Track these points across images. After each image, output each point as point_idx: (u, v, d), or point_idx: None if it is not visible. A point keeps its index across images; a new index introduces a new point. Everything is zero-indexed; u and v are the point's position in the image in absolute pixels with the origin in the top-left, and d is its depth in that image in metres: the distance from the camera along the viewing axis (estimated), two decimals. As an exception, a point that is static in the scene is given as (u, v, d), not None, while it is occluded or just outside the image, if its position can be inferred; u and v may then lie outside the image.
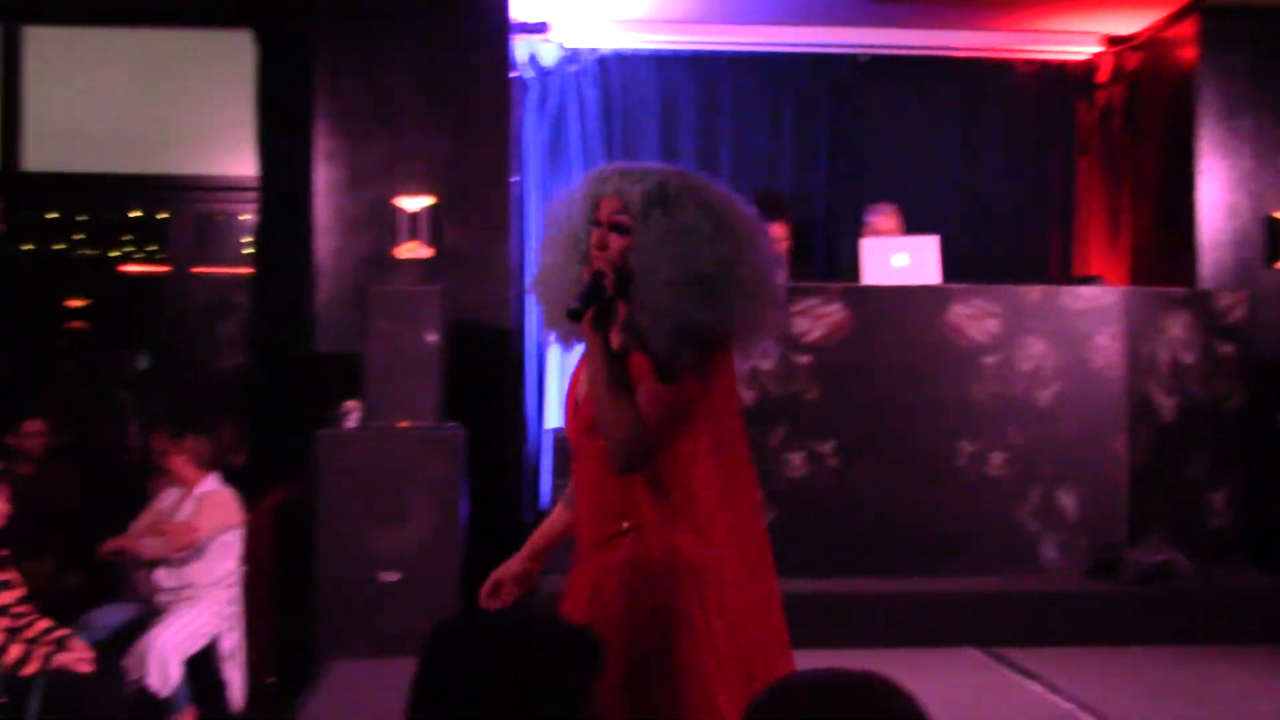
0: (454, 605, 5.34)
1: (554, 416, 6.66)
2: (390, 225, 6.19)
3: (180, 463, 5.23)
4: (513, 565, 2.76)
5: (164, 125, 6.77)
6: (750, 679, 2.40)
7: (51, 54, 6.66)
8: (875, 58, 7.25)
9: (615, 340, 2.46)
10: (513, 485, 6.31)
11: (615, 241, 2.43)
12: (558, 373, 6.72)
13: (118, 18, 6.56)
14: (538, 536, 2.75)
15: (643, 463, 2.41)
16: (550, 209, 2.60)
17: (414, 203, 6.20)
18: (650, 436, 2.39)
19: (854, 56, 7.24)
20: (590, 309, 2.38)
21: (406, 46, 6.27)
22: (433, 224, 6.20)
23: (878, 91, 7.30)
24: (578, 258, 2.49)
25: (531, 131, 6.88)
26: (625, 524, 2.44)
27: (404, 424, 5.44)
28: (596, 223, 2.46)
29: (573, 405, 2.55)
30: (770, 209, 6.53)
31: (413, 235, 6.18)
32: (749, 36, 7.16)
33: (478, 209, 6.29)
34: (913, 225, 6.53)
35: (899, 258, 6.05)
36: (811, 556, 5.58)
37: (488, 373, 6.20)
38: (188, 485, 5.25)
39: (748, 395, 5.61)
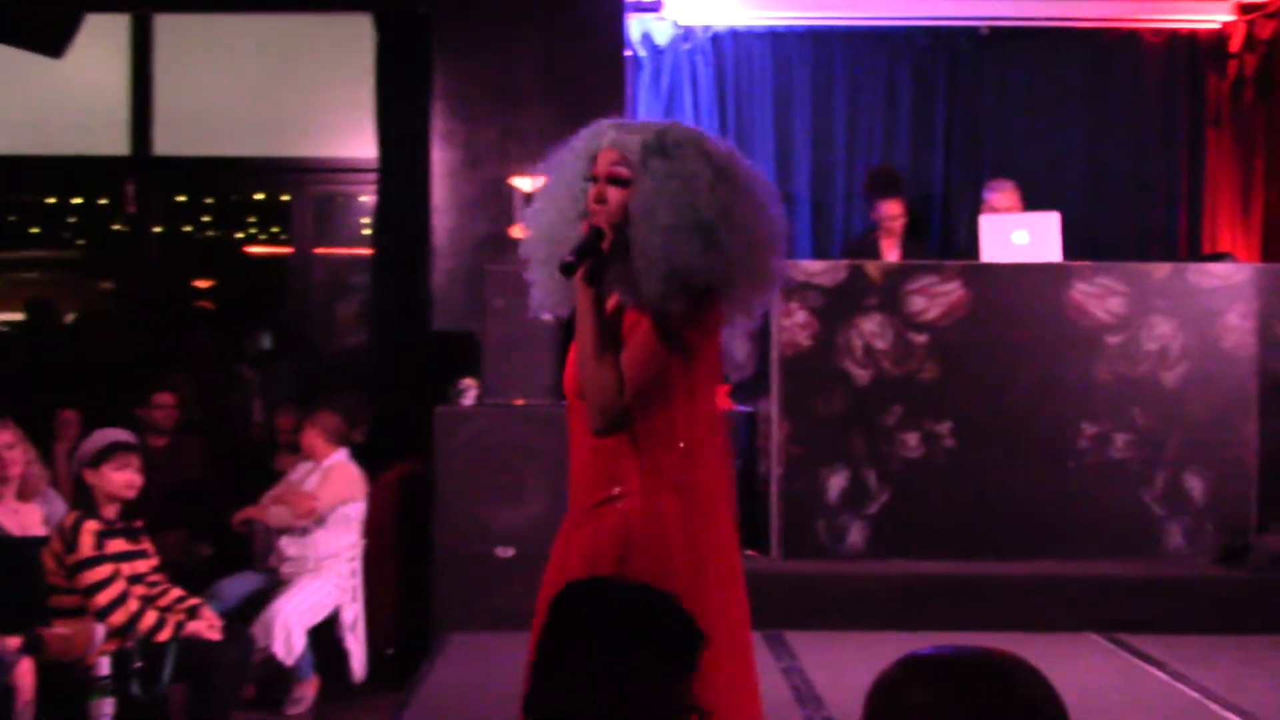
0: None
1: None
2: (506, 205, 6.25)
3: (311, 437, 5.36)
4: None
5: (287, 109, 6.94)
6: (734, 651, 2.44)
7: (179, 42, 6.85)
8: (995, 29, 7.09)
9: (609, 301, 2.43)
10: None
11: (614, 195, 2.38)
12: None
13: (243, 5, 6.72)
14: None
15: (619, 426, 2.38)
16: (545, 169, 2.55)
17: (530, 182, 6.25)
18: (628, 400, 2.36)
19: (973, 29, 7.09)
20: (584, 263, 2.33)
21: (523, 27, 6.31)
22: (547, 203, 6.23)
23: (997, 64, 7.14)
24: (575, 216, 2.44)
25: (645, 110, 6.87)
26: (615, 489, 2.41)
27: (520, 401, 5.50)
28: (593, 178, 2.41)
29: (571, 368, 2.52)
30: (886, 186, 6.47)
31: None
32: (864, 10, 7.06)
33: (592, 188, 6.31)
34: (1033, 202, 6.40)
35: (1019, 235, 5.93)
36: (927, 538, 5.53)
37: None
38: (318, 459, 5.39)
39: (862, 374, 5.56)
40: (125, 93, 6.74)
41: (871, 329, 5.57)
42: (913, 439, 5.57)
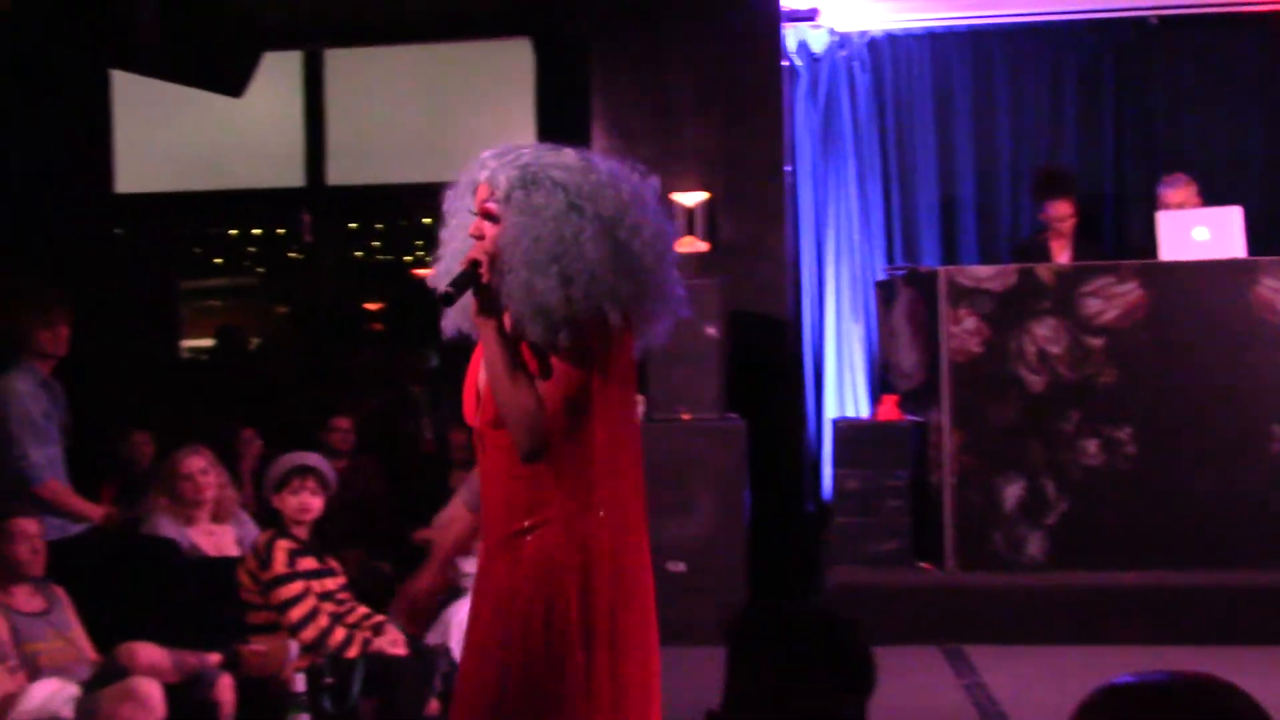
0: (740, 595, 5.39)
1: (833, 406, 6.62)
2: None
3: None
4: (424, 580, 2.75)
5: (452, 135, 7.11)
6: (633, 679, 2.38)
7: (349, 75, 7.09)
8: (1164, 19, 6.84)
9: (508, 326, 2.41)
10: (794, 475, 6.32)
11: (488, 230, 2.37)
12: (836, 362, 6.67)
13: (407, 37, 6.91)
14: (444, 545, 2.74)
15: (544, 448, 2.34)
16: (446, 200, 2.54)
17: (689, 198, 6.28)
18: (550, 421, 2.32)
19: (1141, 19, 6.85)
20: (459, 297, 2.33)
21: (679, 43, 6.36)
22: (708, 218, 6.27)
23: (1167, 55, 6.88)
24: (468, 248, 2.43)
25: (803, 120, 6.84)
26: (528, 521, 2.38)
27: (686, 416, 5.52)
28: (473, 211, 2.41)
29: (474, 397, 2.49)
30: (1054, 186, 6.29)
31: (689, 230, 6.27)
32: (1025, 6, 6.88)
33: (752, 201, 6.32)
34: (1210, 196, 6.14)
35: (1199, 231, 5.70)
36: (1109, 548, 5.35)
37: (766, 364, 6.22)
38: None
39: (1037, 380, 5.42)
40: (299, 126, 7.00)
41: (1045, 334, 5.42)
42: (1092, 446, 5.40)
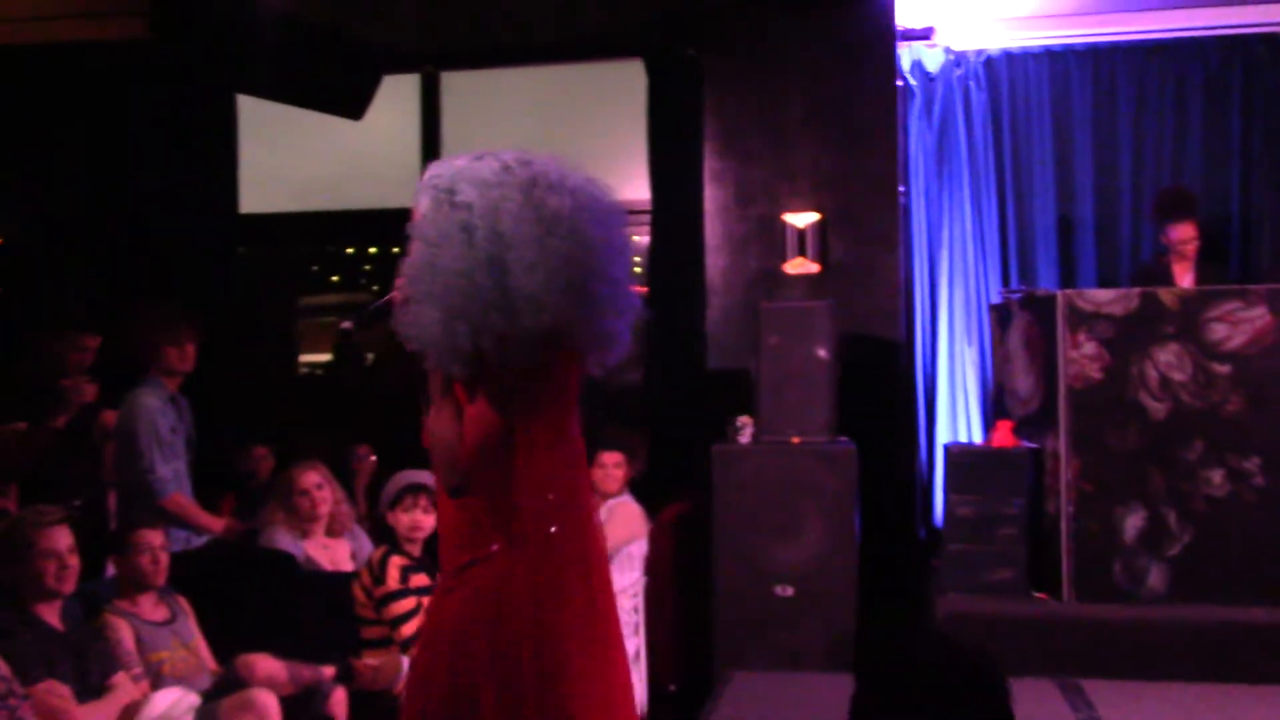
0: (849, 621, 5.33)
1: (945, 430, 6.52)
2: (779, 242, 6.27)
3: (601, 474, 5.51)
4: None
5: (564, 155, 7.17)
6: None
7: (464, 97, 7.20)
8: (1296, 34, 6.62)
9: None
10: (905, 500, 6.23)
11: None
12: (948, 386, 6.57)
13: (521, 59, 6.99)
14: None
15: (461, 483, 2.27)
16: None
17: (802, 219, 6.25)
18: (466, 456, 2.25)
19: (1273, 35, 6.64)
20: (357, 330, 2.33)
21: (792, 63, 6.33)
22: (820, 239, 6.23)
23: (1298, 71, 6.66)
24: None
25: (917, 140, 6.76)
26: (470, 555, 2.32)
27: (796, 439, 5.48)
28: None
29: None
30: (1177, 208, 6.12)
31: (801, 251, 6.24)
32: (1148, 23, 6.71)
33: (865, 222, 6.26)
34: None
35: (1332, 255, 5.50)
36: (1235, 582, 5.16)
37: (878, 386, 6.14)
38: (604, 496, 5.52)
39: (1159, 407, 5.27)
40: (416, 147, 7.13)
41: (1168, 359, 5.27)
42: (1217, 476, 5.22)
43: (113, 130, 6.86)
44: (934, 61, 6.82)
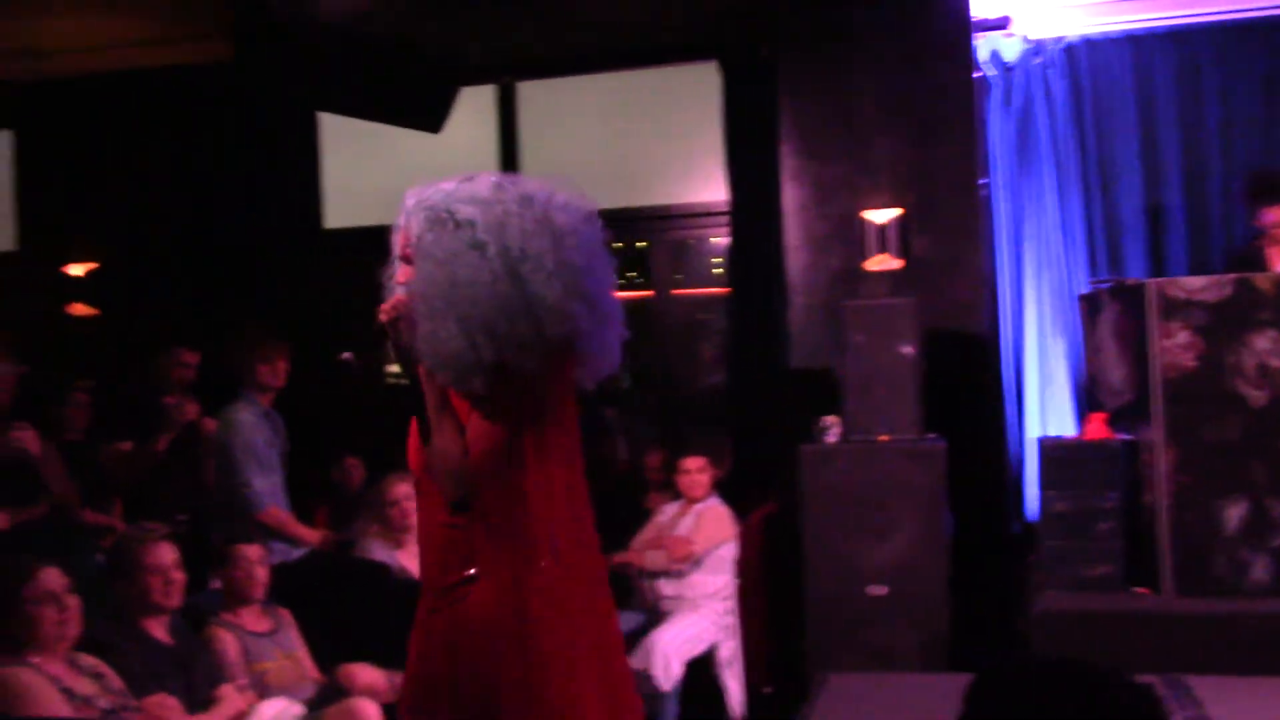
0: (942, 620, 5.28)
1: (1035, 424, 6.43)
2: (859, 239, 6.23)
3: (688, 480, 5.52)
4: None
5: (641, 160, 7.20)
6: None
7: (540, 105, 7.26)
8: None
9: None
10: (997, 496, 6.15)
11: (407, 277, 2.33)
12: (1038, 380, 6.48)
13: (595, 66, 7.03)
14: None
15: (465, 496, 2.24)
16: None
17: (881, 215, 6.21)
18: (473, 470, 2.23)
19: (1367, 10, 6.45)
20: (359, 360, 2.33)
21: (868, 59, 6.29)
22: (901, 235, 6.18)
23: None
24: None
25: (997, 131, 6.67)
26: (464, 572, 2.28)
27: (884, 437, 5.44)
28: (397, 258, 2.36)
29: (414, 442, 2.41)
30: (1270, 191, 5.97)
31: (882, 247, 6.19)
32: (1234, 4, 6.56)
33: (946, 216, 6.20)
34: None
35: None
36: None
37: (965, 382, 6.08)
38: (692, 500, 5.53)
39: (1258, 395, 5.14)
40: (494, 158, 7.19)
41: (1265, 346, 5.14)
42: (1323, 468, 5.09)
43: (201, 152, 7.03)
44: (1012, 51, 6.72)
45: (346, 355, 2.38)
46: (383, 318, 2.33)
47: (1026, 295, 6.56)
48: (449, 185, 2.35)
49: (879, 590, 5.30)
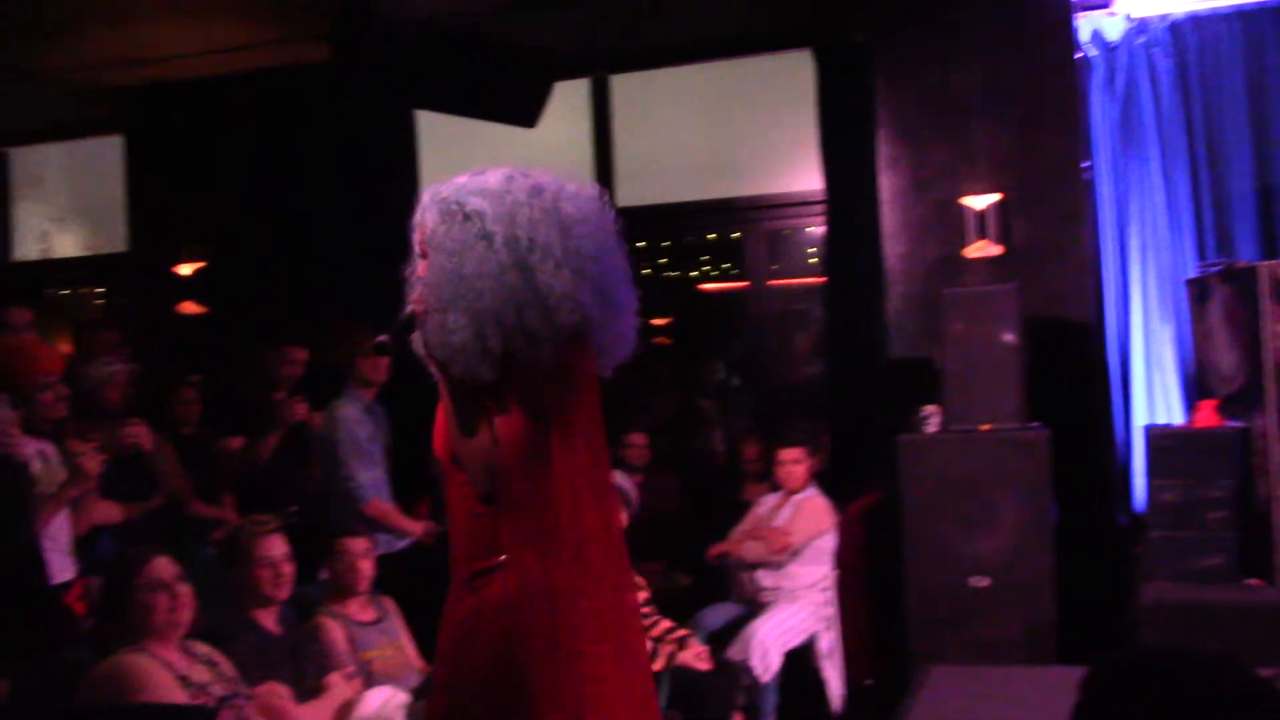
0: (1048, 612, 5.19)
1: (1142, 412, 6.28)
2: (958, 225, 6.14)
3: (786, 471, 5.50)
4: None
5: (733, 151, 7.18)
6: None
7: (633, 98, 7.27)
8: None
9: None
10: (1103, 486, 6.03)
11: (423, 272, 2.34)
12: (1144, 366, 6.33)
13: (688, 57, 7.02)
14: None
15: (496, 487, 2.25)
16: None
17: (981, 200, 6.11)
18: (501, 462, 2.23)
19: None
20: (397, 344, 2.32)
21: (965, 42, 6.20)
22: (1001, 220, 6.08)
23: None
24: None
25: (1100, 113, 6.52)
26: (491, 560, 2.28)
27: (986, 427, 5.36)
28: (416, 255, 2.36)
29: (440, 432, 2.40)
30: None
31: (981, 234, 6.10)
32: (1349, -26, 6.34)
33: (1047, 201, 6.09)
34: None
35: None
36: None
37: (1069, 370, 5.97)
38: (790, 491, 5.51)
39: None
40: (589, 151, 7.23)
41: (1385, 330, 4.97)
42: None
43: (303, 152, 7.15)
44: (1114, 30, 6.56)
45: (381, 338, 2.40)
46: (415, 308, 2.37)
47: (1132, 280, 6.40)
48: (462, 179, 2.39)
49: (981, 582, 5.23)
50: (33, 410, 4.35)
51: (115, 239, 8.16)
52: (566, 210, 2.33)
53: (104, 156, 8.11)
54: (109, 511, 4.67)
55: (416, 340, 2.36)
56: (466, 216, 2.29)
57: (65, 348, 7.19)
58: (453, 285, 2.26)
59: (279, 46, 6.74)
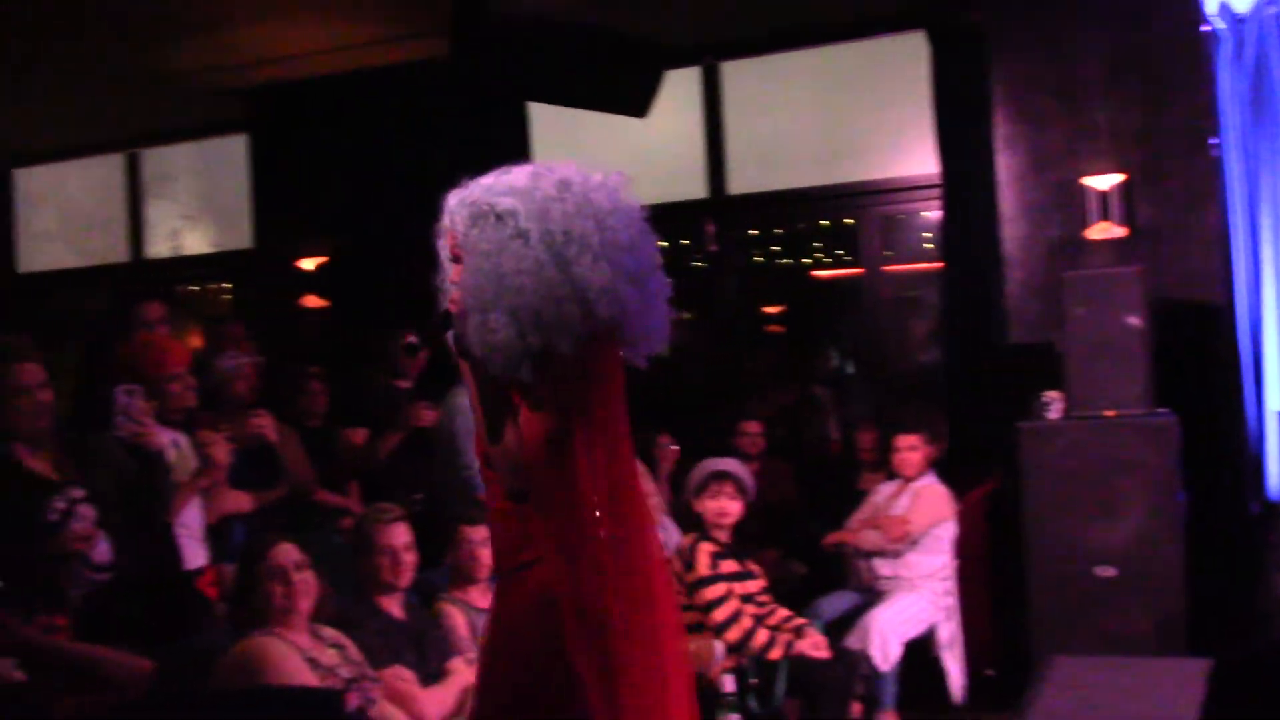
0: (1177, 603, 5.05)
1: (1276, 397, 6.06)
2: (1079, 207, 6.00)
3: (902, 458, 5.45)
4: None
5: (847, 136, 7.11)
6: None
7: (745, 85, 7.24)
8: None
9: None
10: (1234, 473, 5.84)
11: (457, 275, 2.34)
12: (1277, 351, 6.10)
13: (799, 42, 6.97)
14: None
15: (524, 484, 2.26)
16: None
17: (1103, 181, 5.96)
18: (528, 458, 2.24)
19: None
20: (426, 346, 2.28)
21: (1084, 18, 6.05)
22: (1125, 201, 5.92)
23: None
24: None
25: (1228, 88, 6.29)
26: (525, 555, 2.30)
27: (1110, 413, 5.24)
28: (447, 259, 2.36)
29: (478, 431, 2.40)
30: None
31: (1104, 215, 5.95)
32: None
33: (1173, 179, 5.91)
34: None
35: None
36: None
37: (1197, 354, 5.80)
38: (907, 479, 5.45)
39: None
40: (700, 139, 7.22)
41: None
42: None
43: (421, 146, 7.26)
44: (1243, 1, 6.33)
45: (411, 339, 2.45)
46: (452, 307, 2.39)
47: (1264, 260, 6.18)
48: (487, 180, 2.38)
49: (1108, 571, 5.11)
50: (164, 401, 4.50)
51: (241, 236, 8.40)
52: (597, 201, 2.32)
53: (230, 155, 8.37)
54: (239, 500, 4.81)
55: (449, 339, 2.40)
56: (499, 217, 2.30)
57: (194, 342, 7.43)
58: (493, 285, 2.27)
59: (397, 44, 6.87)
